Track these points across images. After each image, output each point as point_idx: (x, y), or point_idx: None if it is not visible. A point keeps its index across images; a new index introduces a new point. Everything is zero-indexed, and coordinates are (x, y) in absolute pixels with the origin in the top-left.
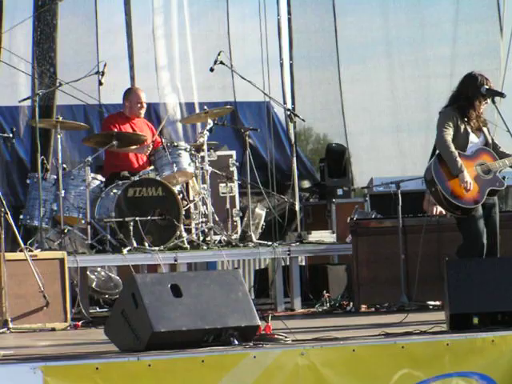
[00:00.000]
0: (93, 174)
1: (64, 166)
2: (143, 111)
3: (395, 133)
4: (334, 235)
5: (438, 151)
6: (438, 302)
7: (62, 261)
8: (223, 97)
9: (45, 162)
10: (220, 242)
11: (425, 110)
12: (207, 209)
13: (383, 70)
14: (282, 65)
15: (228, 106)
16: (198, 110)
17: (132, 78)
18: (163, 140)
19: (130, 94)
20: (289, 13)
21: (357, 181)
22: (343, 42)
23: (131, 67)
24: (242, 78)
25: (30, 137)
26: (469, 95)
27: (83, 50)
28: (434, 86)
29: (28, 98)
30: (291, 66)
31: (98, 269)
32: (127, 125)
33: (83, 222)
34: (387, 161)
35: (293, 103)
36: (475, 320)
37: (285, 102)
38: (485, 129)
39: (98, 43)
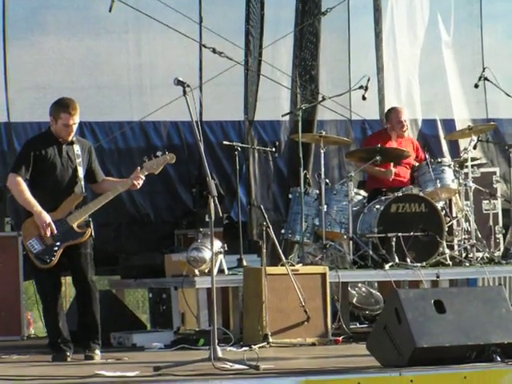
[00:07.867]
0: (355, 190)
1: (326, 180)
2: (406, 131)
3: None
4: None
5: None
6: None
7: (323, 276)
8: (478, 113)
9: (307, 176)
10: (482, 258)
11: None
12: (470, 225)
13: None
14: None
15: (492, 123)
16: (457, 127)
17: (380, 92)
18: (427, 156)
19: (391, 113)
20: None
21: None
22: None
23: (378, 82)
24: (507, 94)
25: (289, 151)
26: None
27: (337, 67)
28: None
29: (291, 113)
30: None
31: (359, 284)
32: (392, 142)
33: (345, 237)
34: None
35: None
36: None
37: None
38: None
39: (350, 59)
